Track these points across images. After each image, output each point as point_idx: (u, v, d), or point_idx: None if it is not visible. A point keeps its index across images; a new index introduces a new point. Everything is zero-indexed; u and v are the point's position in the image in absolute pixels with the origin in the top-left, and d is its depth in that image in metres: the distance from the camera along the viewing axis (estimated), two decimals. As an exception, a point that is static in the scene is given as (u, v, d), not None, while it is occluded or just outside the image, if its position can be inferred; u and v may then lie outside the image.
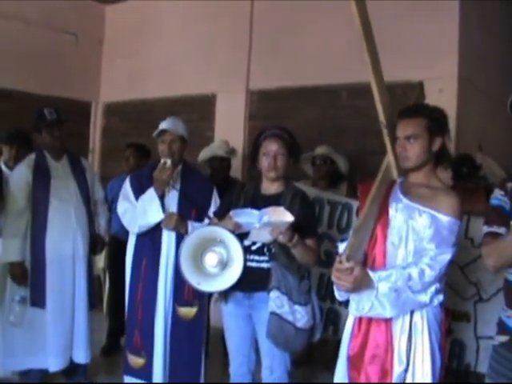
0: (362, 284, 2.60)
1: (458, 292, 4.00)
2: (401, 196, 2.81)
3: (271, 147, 3.38)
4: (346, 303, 2.81)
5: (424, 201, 2.73)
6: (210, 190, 4.12)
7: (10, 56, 6.91)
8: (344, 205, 4.58)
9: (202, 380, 4.01)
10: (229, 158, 5.63)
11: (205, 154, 5.64)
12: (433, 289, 2.67)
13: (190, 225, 3.89)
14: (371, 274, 2.61)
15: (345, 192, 5.19)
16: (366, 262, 2.76)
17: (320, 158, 5.32)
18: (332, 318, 4.50)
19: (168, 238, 3.95)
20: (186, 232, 3.85)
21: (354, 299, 2.68)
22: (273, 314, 3.23)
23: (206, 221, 3.92)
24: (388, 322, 2.70)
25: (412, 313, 2.69)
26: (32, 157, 4.39)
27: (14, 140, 5.00)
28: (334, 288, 2.75)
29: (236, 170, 6.16)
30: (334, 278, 2.63)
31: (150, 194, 3.90)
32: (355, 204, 4.42)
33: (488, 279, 3.86)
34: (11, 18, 6.95)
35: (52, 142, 4.35)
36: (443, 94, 5.22)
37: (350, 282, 2.57)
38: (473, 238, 3.94)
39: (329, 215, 4.60)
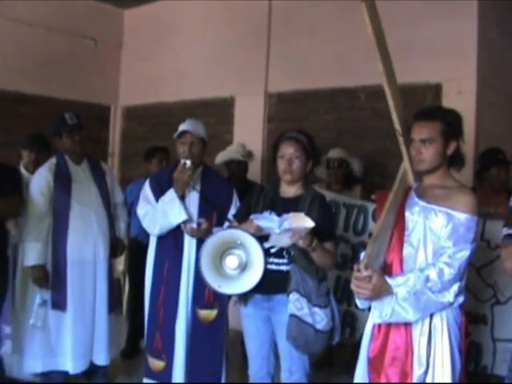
0: (382, 291, 2.61)
1: (474, 294, 3.98)
2: (416, 199, 2.82)
3: (286, 150, 3.38)
4: (367, 309, 2.82)
5: (439, 201, 2.74)
6: (230, 192, 4.12)
7: (30, 61, 6.98)
8: (359, 207, 4.59)
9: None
10: (245, 161, 5.65)
11: (221, 157, 5.66)
12: (456, 288, 2.67)
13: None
14: (389, 280, 2.63)
15: (359, 195, 5.18)
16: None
17: (334, 162, 5.27)
18: (349, 320, 4.50)
19: (189, 241, 3.94)
20: None
21: (375, 307, 2.69)
22: (292, 316, 3.22)
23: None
24: (408, 324, 2.70)
25: (431, 315, 2.69)
26: (53, 161, 4.43)
27: (34, 144, 5.05)
28: (355, 296, 2.76)
29: (255, 172, 6.17)
30: (353, 287, 2.65)
31: (170, 194, 3.89)
32: (371, 206, 4.44)
33: (505, 282, 3.84)
34: (31, 24, 7.00)
35: (72, 147, 4.38)
36: (462, 95, 5.21)
37: (369, 290, 2.59)
38: (489, 240, 3.94)
39: (345, 218, 4.61)
